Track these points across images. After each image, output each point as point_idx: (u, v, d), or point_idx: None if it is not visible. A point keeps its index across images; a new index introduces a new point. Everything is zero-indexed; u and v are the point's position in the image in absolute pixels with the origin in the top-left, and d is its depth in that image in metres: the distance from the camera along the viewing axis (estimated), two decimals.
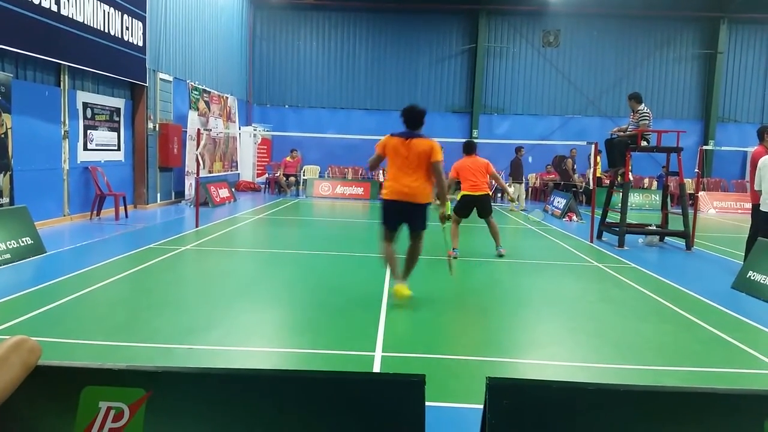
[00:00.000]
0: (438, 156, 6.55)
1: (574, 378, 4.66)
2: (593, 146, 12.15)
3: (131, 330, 5.38)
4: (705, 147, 17.18)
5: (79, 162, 12.34)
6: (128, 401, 2.57)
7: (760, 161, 8.52)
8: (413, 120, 6.67)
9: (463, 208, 9.94)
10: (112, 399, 2.57)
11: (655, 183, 21.65)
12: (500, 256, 9.77)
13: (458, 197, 9.94)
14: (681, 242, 11.56)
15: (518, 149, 18.71)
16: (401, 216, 6.73)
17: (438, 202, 6.97)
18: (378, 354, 4.94)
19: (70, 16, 11.28)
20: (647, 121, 11.07)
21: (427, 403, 2.48)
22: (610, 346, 5.46)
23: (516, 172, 18.63)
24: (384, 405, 2.56)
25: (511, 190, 17.16)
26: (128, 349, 4.90)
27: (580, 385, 2.71)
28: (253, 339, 5.37)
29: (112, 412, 2.55)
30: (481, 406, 2.58)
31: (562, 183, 20.40)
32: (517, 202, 17.68)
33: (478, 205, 9.90)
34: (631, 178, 20.41)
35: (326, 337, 5.43)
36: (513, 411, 2.56)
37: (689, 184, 18.94)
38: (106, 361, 4.53)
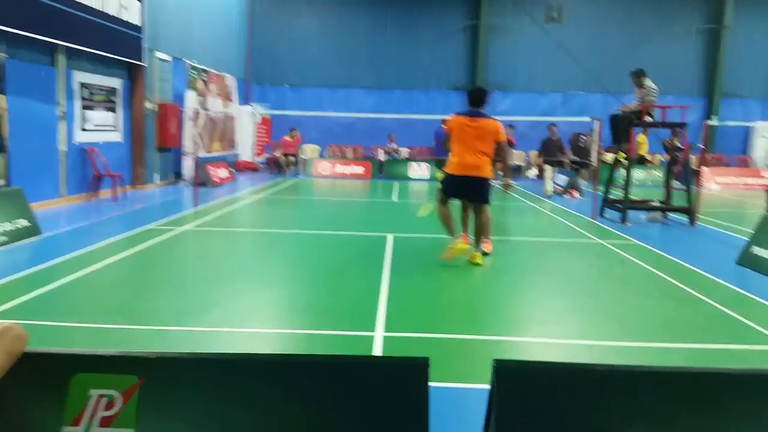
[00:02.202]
0: (503, 136, 7.37)
1: (579, 357, 4.59)
2: (597, 122, 12.00)
3: (129, 312, 5.31)
4: (709, 122, 16.97)
5: (76, 143, 12.20)
6: (120, 388, 2.48)
7: None
8: (478, 98, 7.37)
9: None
10: (103, 386, 2.49)
11: (659, 158, 21.47)
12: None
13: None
14: (684, 218, 11.46)
15: (551, 126, 17.06)
16: (463, 189, 7.46)
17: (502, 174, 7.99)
18: (379, 334, 4.86)
19: None
20: (653, 97, 10.90)
21: (430, 384, 2.40)
22: (614, 323, 5.39)
23: (550, 154, 16.84)
24: (387, 388, 2.48)
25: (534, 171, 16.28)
26: (126, 332, 4.82)
27: (588, 366, 2.63)
28: (251, 320, 5.30)
29: (103, 400, 2.46)
30: (485, 386, 2.50)
31: (572, 161, 19.21)
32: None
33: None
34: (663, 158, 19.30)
35: (326, 317, 5.35)
36: (520, 393, 2.48)
37: (692, 159, 18.77)
38: (103, 345, 4.47)
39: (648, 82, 11.10)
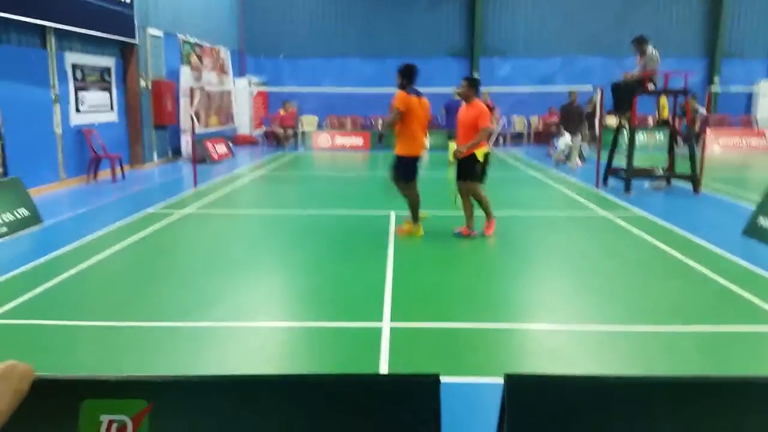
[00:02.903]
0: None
1: (588, 343, 4.57)
2: (599, 90, 11.83)
3: (134, 307, 5.28)
4: (713, 88, 16.67)
5: (72, 125, 12.07)
6: (130, 414, 2.46)
7: None
8: (416, 76, 7.54)
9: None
10: (114, 412, 2.47)
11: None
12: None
13: (481, 155, 7.60)
14: (688, 185, 11.37)
15: (572, 92, 15.37)
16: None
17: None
18: (386, 324, 4.83)
19: None
20: (654, 65, 10.75)
21: (441, 379, 2.37)
22: (621, 305, 5.36)
23: (570, 121, 15.23)
24: (397, 408, 2.45)
25: (564, 140, 15.05)
26: (132, 330, 4.80)
27: (601, 379, 2.60)
28: (256, 313, 5.26)
29: (114, 426, 2.45)
30: (496, 380, 2.49)
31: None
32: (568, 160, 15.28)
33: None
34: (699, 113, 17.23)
35: (332, 307, 5.32)
36: (532, 408, 2.45)
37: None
38: (109, 344, 4.46)
39: (650, 50, 10.93)
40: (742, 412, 2.41)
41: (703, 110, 18.93)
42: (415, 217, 7.82)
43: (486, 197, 7.81)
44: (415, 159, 7.65)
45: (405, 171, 7.69)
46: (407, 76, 7.50)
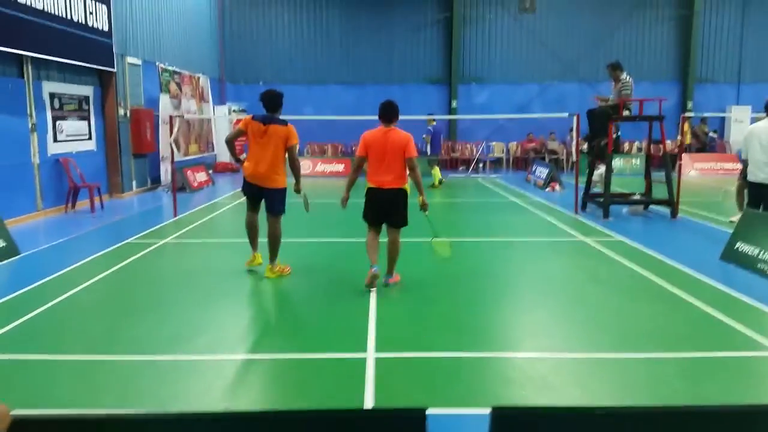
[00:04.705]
0: (293, 140, 7.09)
1: (572, 372, 4.58)
2: (575, 118, 12.00)
3: (112, 341, 5.20)
4: (686, 114, 16.99)
5: (49, 155, 11.95)
6: None
7: (746, 132, 8.43)
8: (271, 103, 7.13)
9: (371, 211, 6.84)
10: None
11: (635, 147, 21.60)
12: (386, 285, 6.76)
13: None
14: (666, 210, 11.52)
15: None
16: (259, 196, 7.26)
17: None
18: (371, 355, 4.80)
19: (29, 3, 10.79)
20: (629, 92, 10.96)
21: (427, 411, 2.35)
22: (603, 332, 5.39)
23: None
24: None
25: (599, 171, 12.20)
26: (111, 364, 4.72)
27: (586, 411, 2.60)
28: (239, 345, 5.20)
29: None
30: (482, 411, 2.48)
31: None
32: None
33: (387, 208, 6.70)
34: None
35: (315, 338, 5.28)
36: None
37: (669, 145, 18.81)
38: (89, 379, 4.37)
39: (624, 76, 11.13)
40: None
41: (713, 134, 19.21)
42: (271, 255, 7.28)
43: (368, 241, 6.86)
44: (245, 182, 7.25)
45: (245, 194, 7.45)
46: (263, 103, 7.19)
